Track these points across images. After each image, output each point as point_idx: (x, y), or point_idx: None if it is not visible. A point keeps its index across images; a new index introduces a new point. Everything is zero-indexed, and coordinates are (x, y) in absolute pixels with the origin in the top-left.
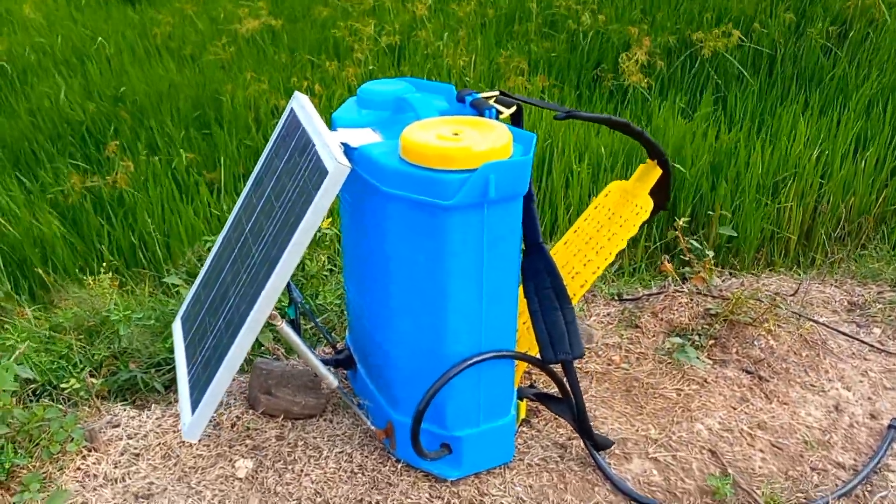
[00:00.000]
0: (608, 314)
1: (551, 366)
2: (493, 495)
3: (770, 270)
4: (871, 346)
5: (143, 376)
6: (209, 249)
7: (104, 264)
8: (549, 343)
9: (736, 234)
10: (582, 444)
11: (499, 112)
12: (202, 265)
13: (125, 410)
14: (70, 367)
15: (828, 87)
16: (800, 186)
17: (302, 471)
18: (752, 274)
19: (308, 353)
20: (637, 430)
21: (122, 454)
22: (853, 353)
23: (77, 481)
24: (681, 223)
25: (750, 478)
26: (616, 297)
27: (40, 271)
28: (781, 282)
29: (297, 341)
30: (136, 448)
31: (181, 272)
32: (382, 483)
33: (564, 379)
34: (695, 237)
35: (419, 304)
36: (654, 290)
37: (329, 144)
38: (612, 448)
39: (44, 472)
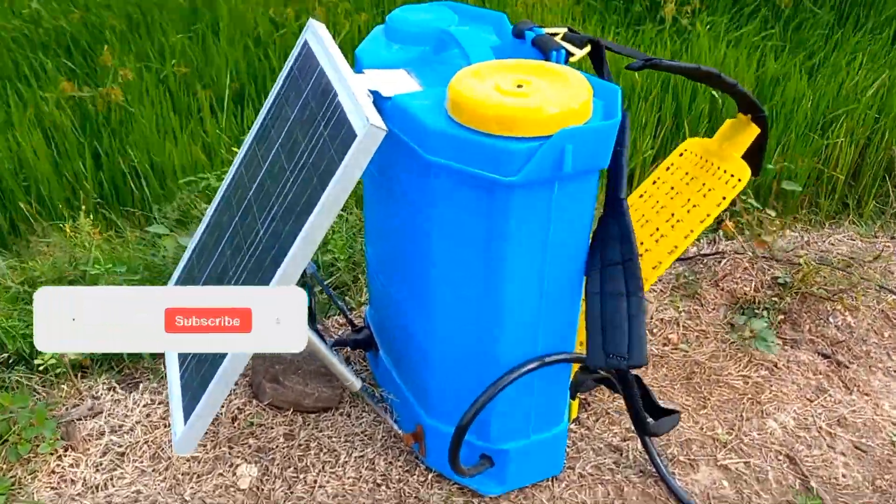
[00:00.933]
0: (661, 279)
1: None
2: None
3: (829, 223)
4: None
5: None
6: (205, 189)
7: (82, 207)
8: (601, 341)
9: (800, 189)
10: (640, 444)
11: (569, 54)
12: (196, 218)
13: (109, 392)
14: None
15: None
16: (852, 121)
17: (316, 481)
18: (815, 227)
19: (326, 351)
20: (702, 430)
21: (105, 454)
22: None
23: (52, 488)
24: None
25: (834, 490)
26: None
27: (23, 206)
28: (851, 240)
29: (310, 336)
30: (120, 446)
31: (172, 219)
32: (411, 497)
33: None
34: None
35: (467, 298)
36: (708, 251)
37: (357, 95)
38: (676, 454)
39: (12, 478)
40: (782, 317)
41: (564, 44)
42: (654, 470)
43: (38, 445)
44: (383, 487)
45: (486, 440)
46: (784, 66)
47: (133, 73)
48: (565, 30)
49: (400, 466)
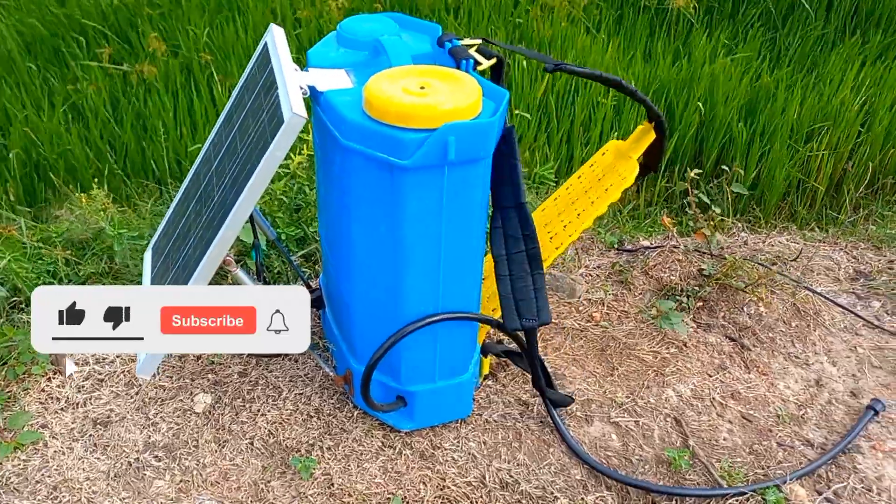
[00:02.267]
0: (598, 266)
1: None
2: (446, 449)
3: (786, 226)
4: (866, 321)
5: None
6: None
7: (95, 179)
8: (515, 309)
9: (746, 193)
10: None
11: (476, 63)
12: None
13: None
14: (56, 282)
15: (889, 29)
16: (836, 135)
17: (259, 410)
18: (764, 229)
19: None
20: (605, 392)
21: (87, 379)
22: (846, 327)
23: (40, 403)
24: (692, 174)
25: (711, 449)
26: (616, 247)
27: (52, 176)
28: (789, 242)
29: (251, 286)
30: (101, 374)
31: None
32: (336, 429)
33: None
34: (715, 182)
35: (377, 261)
36: (655, 244)
37: (289, 89)
38: (574, 410)
39: (8, 392)
40: (700, 303)
41: (474, 54)
42: (551, 421)
43: (31, 368)
44: (315, 419)
45: (398, 382)
46: (774, 78)
47: (167, 53)
48: (479, 41)
49: (332, 404)
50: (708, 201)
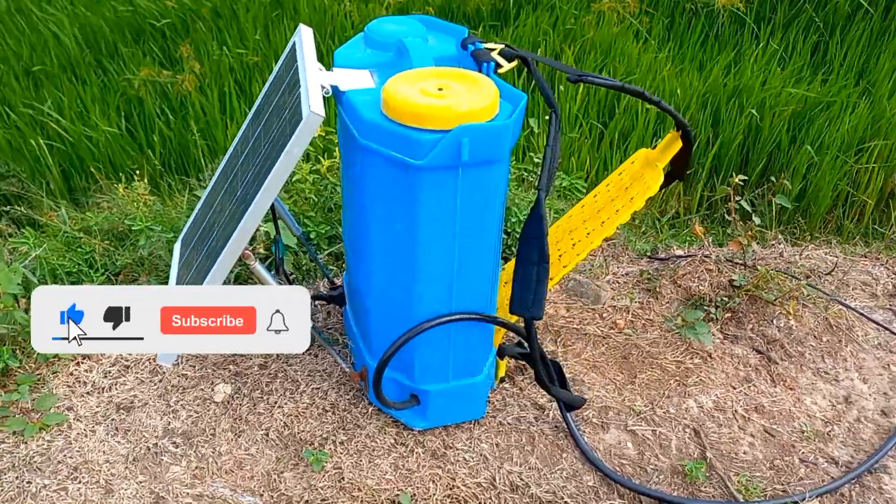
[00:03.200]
0: (627, 273)
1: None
2: (458, 449)
3: (827, 239)
4: None
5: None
6: None
7: (137, 173)
8: (516, 297)
9: (790, 206)
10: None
11: (498, 66)
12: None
13: None
14: (91, 271)
15: None
16: (887, 146)
17: (276, 402)
18: (805, 242)
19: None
20: (623, 400)
21: (114, 365)
22: (879, 344)
23: (67, 386)
24: (736, 181)
25: (730, 462)
26: (648, 255)
27: (93, 169)
28: (827, 256)
29: (268, 281)
30: (127, 360)
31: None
32: (351, 424)
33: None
34: (758, 191)
35: (393, 259)
36: (688, 253)
37: (311, 87)
38: (591, 416)
39: (38, 375)
40: (729, 315)
41: (496, 56)
42: (565, 425)
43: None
44: (330, 413)
45: (412, 380)
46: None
47: (200, 65)
48: (503, 45)
49: (348, 399)
50: (750, 209)
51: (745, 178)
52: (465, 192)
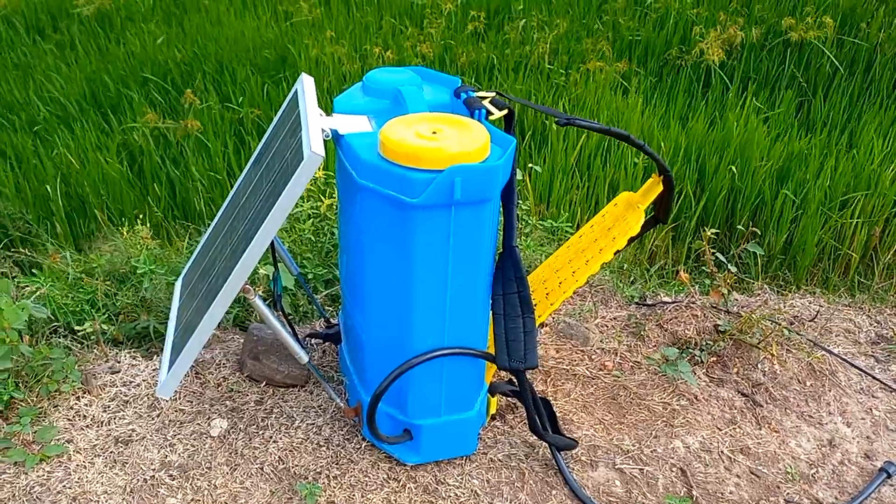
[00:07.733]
0: (614, 318)
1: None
2: (449, 485)
3: (813, 290)
4: (884, 383)
5: (157, 326)
6: None
7: (139, 217)
8: (505, 349)
9: (762, 253)
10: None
11: (489, 113)
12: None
13: (130, 358)
14: (94, 311)
15: None
16: (870, 203)
17: (271, 437)
18: (791, 293)
19: (277, 326)
20: (612, 439)
21: (113, 399)
22: (862, 389)
23: (68, 419)
24: (709, 233)
25: (715, 501)
26: (636, 301)
27: (98, 213)
28: (811, 304)
29: (266, 315)
30: (126, 395)
31: None
32: (344, 459)
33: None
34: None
35: (387, 295)
36: (674, 299)
37: (311, 130)
38: (580, 454)
39: (39, 408)
40: (714, 358)
41: (487, 105)
42: (555, 463)
43: (62, 386)
44: (324, 448)
45: (405, 415)
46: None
47: (199, 119)
48: (493, 94)
49: (342, 434)
50: (724, 260)
51: (717, 231)
52: (458, 229)
